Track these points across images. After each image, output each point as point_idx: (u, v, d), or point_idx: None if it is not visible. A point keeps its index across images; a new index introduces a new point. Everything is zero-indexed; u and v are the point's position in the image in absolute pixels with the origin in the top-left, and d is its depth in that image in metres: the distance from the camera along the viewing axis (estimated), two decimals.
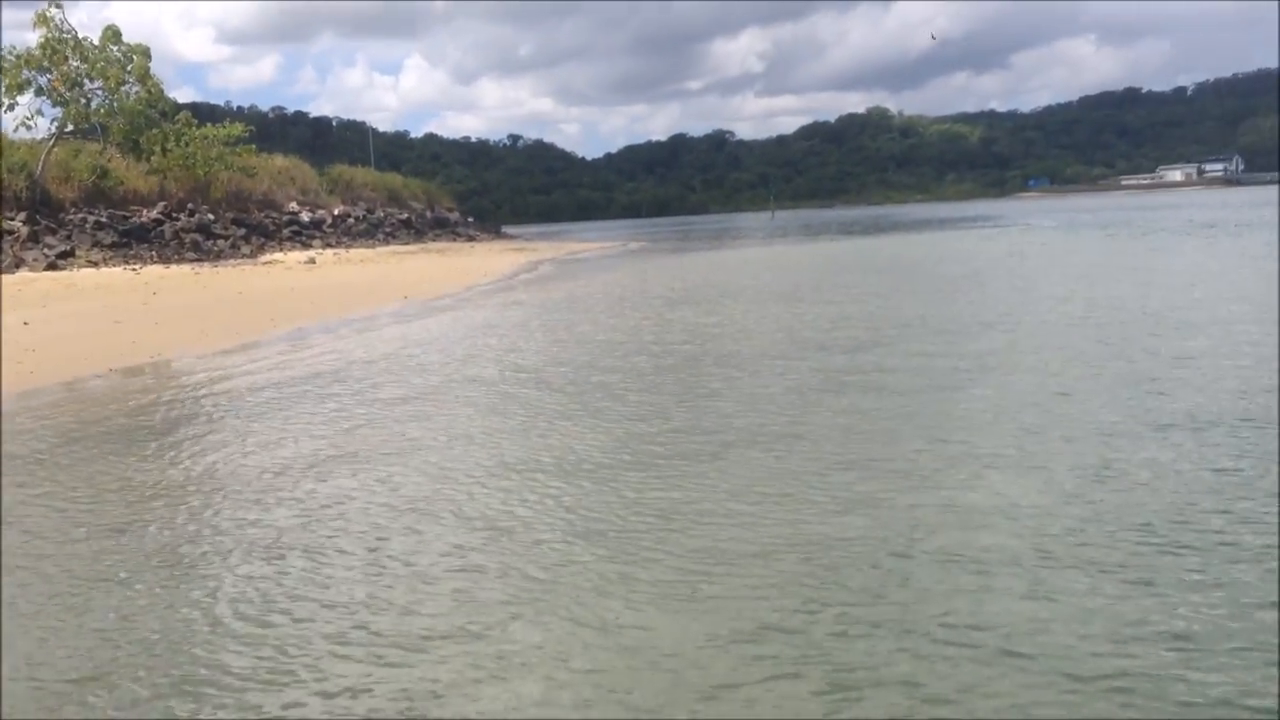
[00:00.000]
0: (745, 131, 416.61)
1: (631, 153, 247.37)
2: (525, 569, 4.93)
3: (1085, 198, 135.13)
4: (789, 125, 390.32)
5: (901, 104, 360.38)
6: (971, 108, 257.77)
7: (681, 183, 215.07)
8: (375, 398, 9.91)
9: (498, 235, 70.39)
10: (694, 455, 6.92)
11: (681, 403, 8.87)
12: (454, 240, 58.44)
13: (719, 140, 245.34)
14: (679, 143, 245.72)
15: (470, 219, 74.63)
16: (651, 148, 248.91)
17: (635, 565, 4.90)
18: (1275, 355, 9.48)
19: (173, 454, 7.86)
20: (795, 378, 9.81)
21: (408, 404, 9.52)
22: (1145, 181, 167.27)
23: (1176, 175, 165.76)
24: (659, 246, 52.22)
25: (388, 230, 53.11)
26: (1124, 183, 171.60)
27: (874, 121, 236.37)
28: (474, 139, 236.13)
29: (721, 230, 79.54)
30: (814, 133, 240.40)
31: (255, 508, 6.24)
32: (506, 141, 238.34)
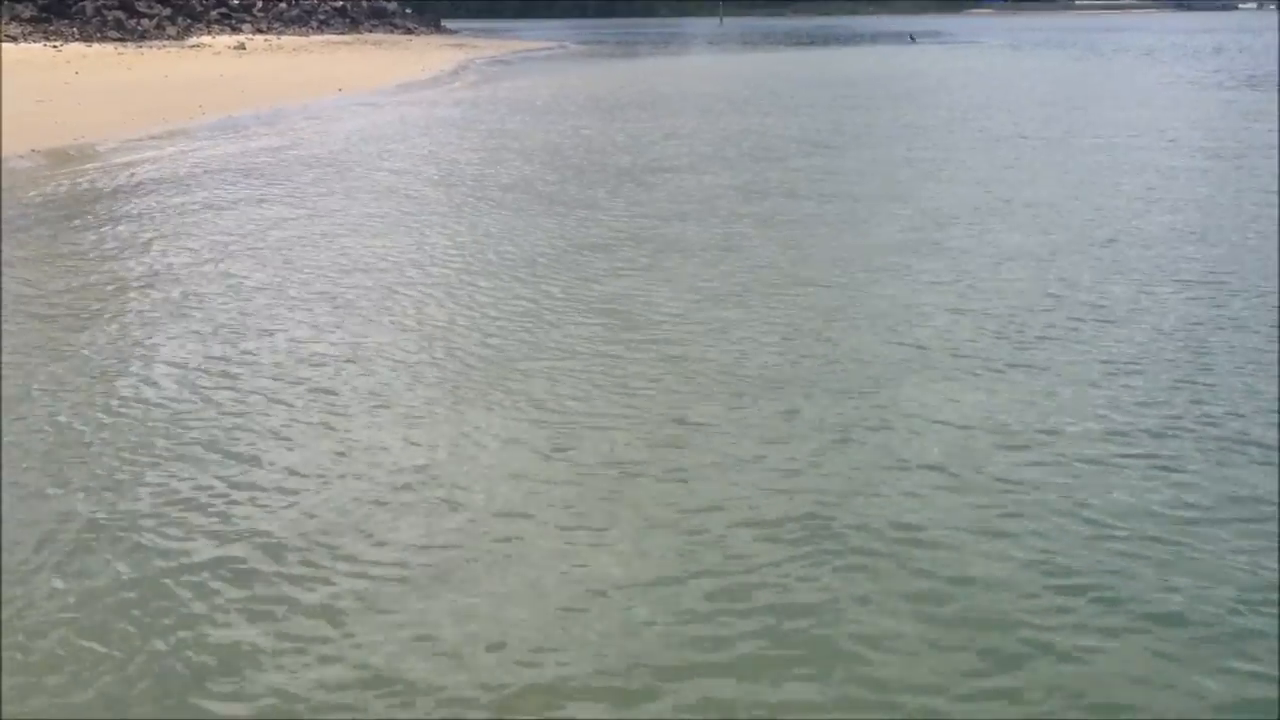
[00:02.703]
0: None
1: None
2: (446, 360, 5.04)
3: (1038, 17, 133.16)
4: None
5: None
6: None
7: None
8: (304, 190, 9.78)
9: (437, 29, 67.98)
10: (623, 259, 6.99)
11: (609, 210, 8.86)
12: (391, 32, 56.36)
13: None
14: None
15: (408, 10, 71.86)
16: None
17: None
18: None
19: (98, 237, 7.76)
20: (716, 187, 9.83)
21: (334, 196, 9.43)
22: (1099, 3, 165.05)
23: None
24: (602, 51, 50.84)
25: (321, 18, 51.01)
26: (1078, 3, 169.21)
27: None
28: None
29: (668, 36, 77.45)
30: None
31: (175, 285, 6.26)
32: None
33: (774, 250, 7.16)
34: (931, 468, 3.85)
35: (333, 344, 5.28)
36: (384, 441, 4.11)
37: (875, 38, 61.74)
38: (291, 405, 4.48)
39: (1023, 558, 3.22)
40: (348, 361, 5.01)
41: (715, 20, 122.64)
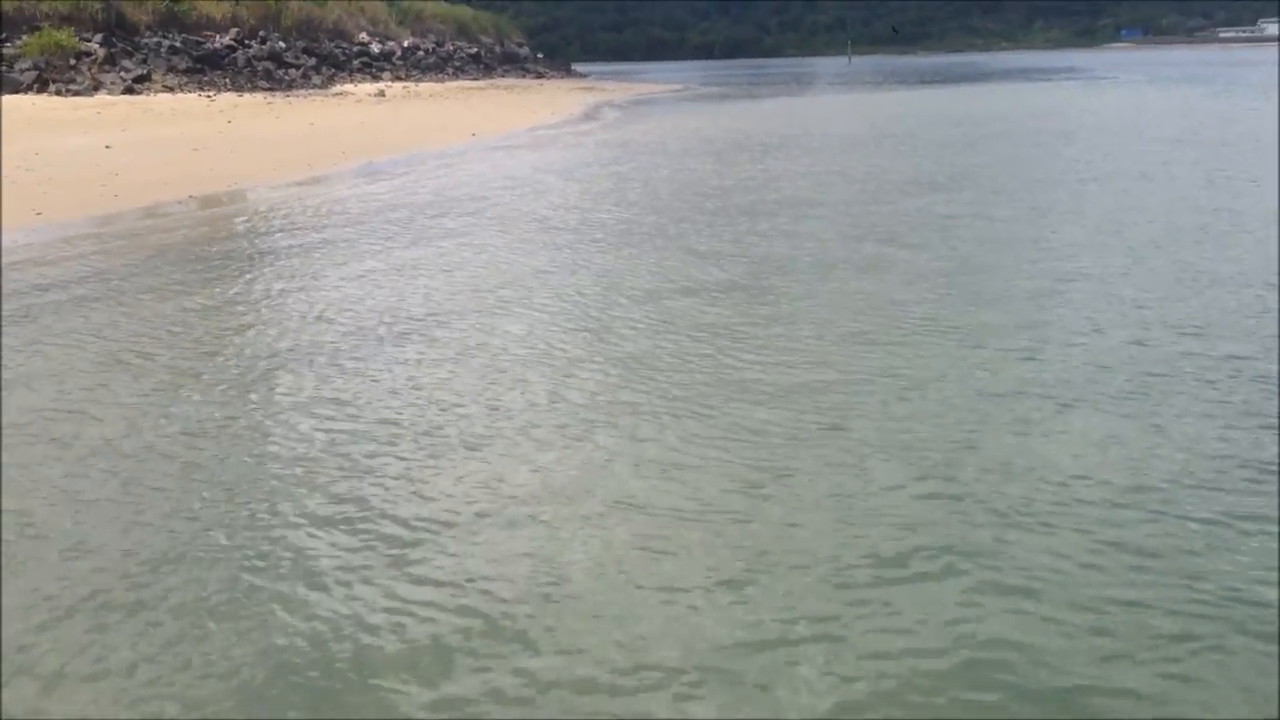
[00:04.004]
0: None
1: None
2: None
3: (1179, 50, 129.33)
4: None
5: None
6: None
7: (756, 24, 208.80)
8: (438, 232, 10.07)
9: (567, 73, 69.31)
10: (751, 287, 7.02)
11: (747, 244, 8.91)
12: (523, 77, 57.73)
13: None
14: None
15: (539, 55, 73.53)
16: None
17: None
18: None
19: (251, 277, 8.13)
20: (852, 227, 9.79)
21: (470, 238, 9.68)
22: (1244, 35, 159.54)
23: (1275, 29, 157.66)
24: (729, 92, 51.16)
25: (457, 64, 52.57)
26: (1221, 35, 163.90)
27: None
28: None
29: (796, 76, 77.58)
30: None
31: (324, 325, 6.51)
32: None
33: (901, 292, 7.11)
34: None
35: (470, 383, 5.42)
36: (517, 477, 4.21)
37: (1008, 75, 60.74)
38: (430, 437, 4.63)
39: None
40: (478, 401, 5.15)
41: (844, 59, 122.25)
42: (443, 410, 5.05)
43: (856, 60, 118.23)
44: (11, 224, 10.06)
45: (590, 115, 31.07)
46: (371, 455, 4.50)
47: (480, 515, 3.93)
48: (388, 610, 3.28)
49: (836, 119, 28.53)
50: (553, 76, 62.72)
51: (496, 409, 5.04)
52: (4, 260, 8.56)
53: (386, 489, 4.17)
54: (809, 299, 7.06)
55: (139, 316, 6.92)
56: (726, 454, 4.41)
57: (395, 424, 4.86)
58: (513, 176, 15.00)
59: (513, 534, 3.79)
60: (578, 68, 76.71)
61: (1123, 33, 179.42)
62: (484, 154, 18.74)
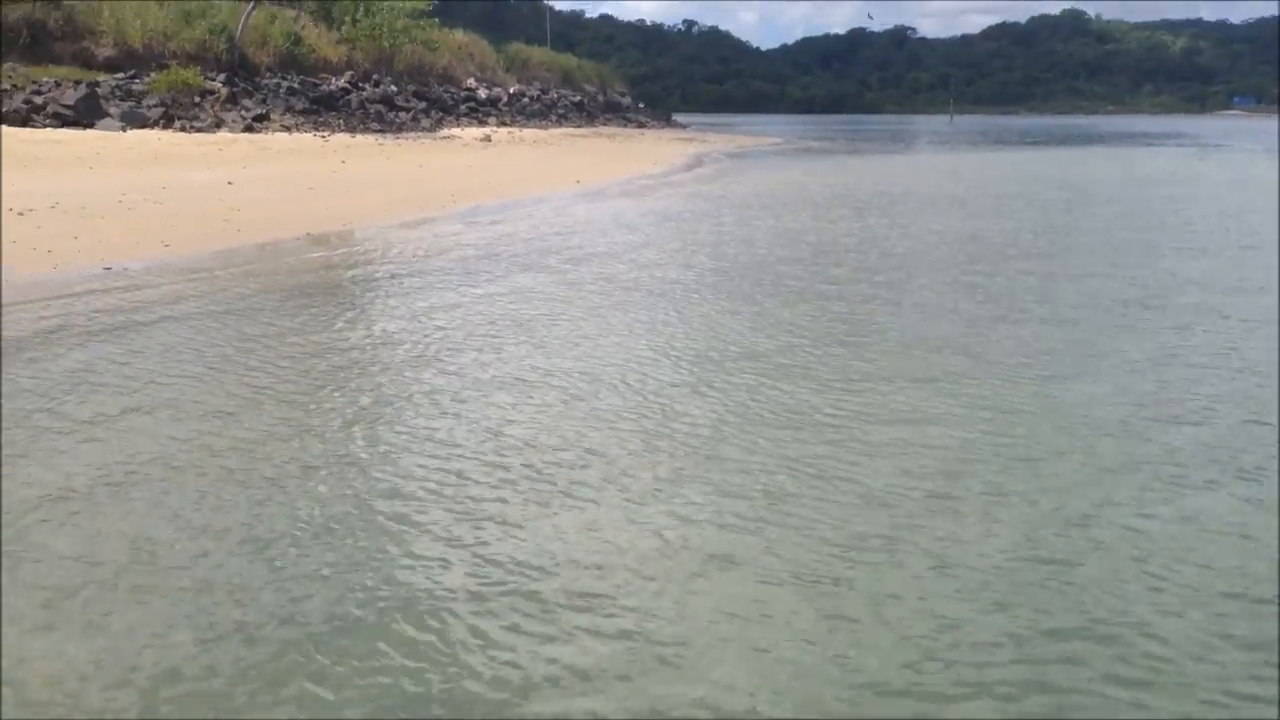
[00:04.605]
0: (928, 29, 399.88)
1: (808, 45, 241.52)
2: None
3: None
4: (975, 24, 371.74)
5: (1099, 7, 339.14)
6: (1176, 15, 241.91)
7: (858, 79, 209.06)
8: (547, 275, 10.23)
9: (668, 123, 70.00)
10: (843, 359, 7.02)
11: (836, 311, 8.92)
12: (624, 125, 58.46)
13: (899, 37, 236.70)
14: (858, 37, 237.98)
15: (641, 104, 74.50)
16: (829, 41, 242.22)
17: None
18: None
19: (361, 314, 8.36)
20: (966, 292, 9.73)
21: (571, 285, 9.81)
22: None
23: None
24: (832, 146, 51.23)
25: (560, 112, 53.49)
26: None
27: (1068, 24, 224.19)
28: (648, 23, 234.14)
29: (897, 132, 77.41)
30: (1001, 33, 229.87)
31: (429, 367, 6.65)
32: (681, 27, 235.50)
33: (1007, 357, 7.05)
34: None
35: (569, 430, 5.50)
36: (617, 526, 4.26)
37: (1114, 138, 59.85)
38: (530, 481, 4.71)
39: None
40: (577, 448, 5.22)
41: (945, 118, 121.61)
42: (542, 455, 5.13)
43: (958, 119, 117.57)
44: (141, 254, 10.48)
45: (691, 166, 31.32)
46: (475, 498, 4.59)
47: (575, 563, 3.99)
48: (482, 648, 3.35)
49: (937, 177, 28.40)
50: (653, 126, 63.39)
51: (594, 456, 5.11)
52: (134, 290, 8.93)
53: (488, 532, 4.25)
54: (908, 358, 7.05)
55: (255, 349, 7.14)
56: (826, 514, 4.42)
57: (499, 467, 4.95)
58: (616, 224, 15.20)
59: (609, 583, 3.84)
60: (678, 118, 77.42)
61: (1235, 100, 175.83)
62: (588, 201, 19.00)
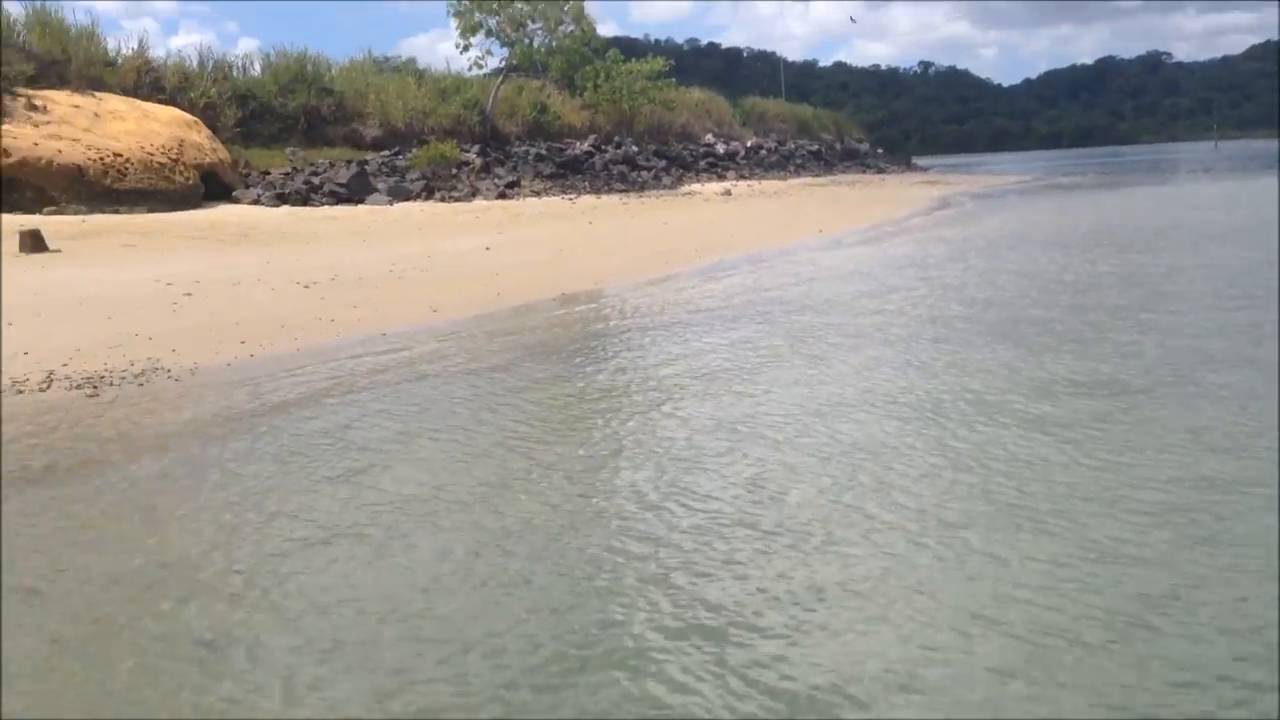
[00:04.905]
0: (1184, 52, 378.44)
1: (1053, 78, 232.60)
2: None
3: None
4: (1237, 45, 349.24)
5: None
6: None
7: (1108, 110, 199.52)
8: (798, 326, 10.27)
9: (908, 167, 69.02)
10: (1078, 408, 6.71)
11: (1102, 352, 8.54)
12: (863, 172, 58.05)
13: (1153, 62, 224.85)
14: (1107, 66, 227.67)
15: (879, 150, 73.78)
16: (1075, 72, 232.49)
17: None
18: None
19: (614, 371, 8.65)
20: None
21: (825, 336, 9.80)
22: None
23: None
24: (1084, 180, 49.14)
25: (798, 162, 53.67)
26: None
27: None
28: (883, 67, 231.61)
29: (1156, 161, 73.47)
30: (1266, 52, 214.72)
31: (675, 420, 6.79)
32: (917, 69, 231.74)
33: None
34: None
35: (825, 482, 5.50)
36: (873, 580, 4.24)
37: None
38: (779, 537, 4.74)
39: None
40: (833, 501, 5.21)
41: (1208, 144, 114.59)
42: (796, 509, 5.13)
43: (1223, 145, 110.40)
44: (412, 319, 11.23)
45: (934, 209, 30.77)
46: (726, 554, 4.66)
47: (826, 623, 3.99)
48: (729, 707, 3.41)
49: (1207, 208, 26.79)
50: (893, 171, 62.66)
51: (850, 509, 5.08)
52: (409, 350, 9.57)
53: (736, 588, 4.29)
54: (1183, 408, 6.68)
55: (515, 404, 7.51)
56: (1090, 575, 4.25)
57: (749, 524, 4.99)
58: (863, 272, 15.14)
59: (866, 640, 3.83)
60: (918, 161, 76.29)
61: None
62: (830, 250, 18.98)
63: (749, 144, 51.70)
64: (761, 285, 13.97)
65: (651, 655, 3.75)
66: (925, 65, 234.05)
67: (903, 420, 6.65)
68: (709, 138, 49.62)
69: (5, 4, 25.83)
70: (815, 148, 58.82)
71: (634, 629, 3.95)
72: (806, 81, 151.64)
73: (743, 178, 43.74)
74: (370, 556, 4.71)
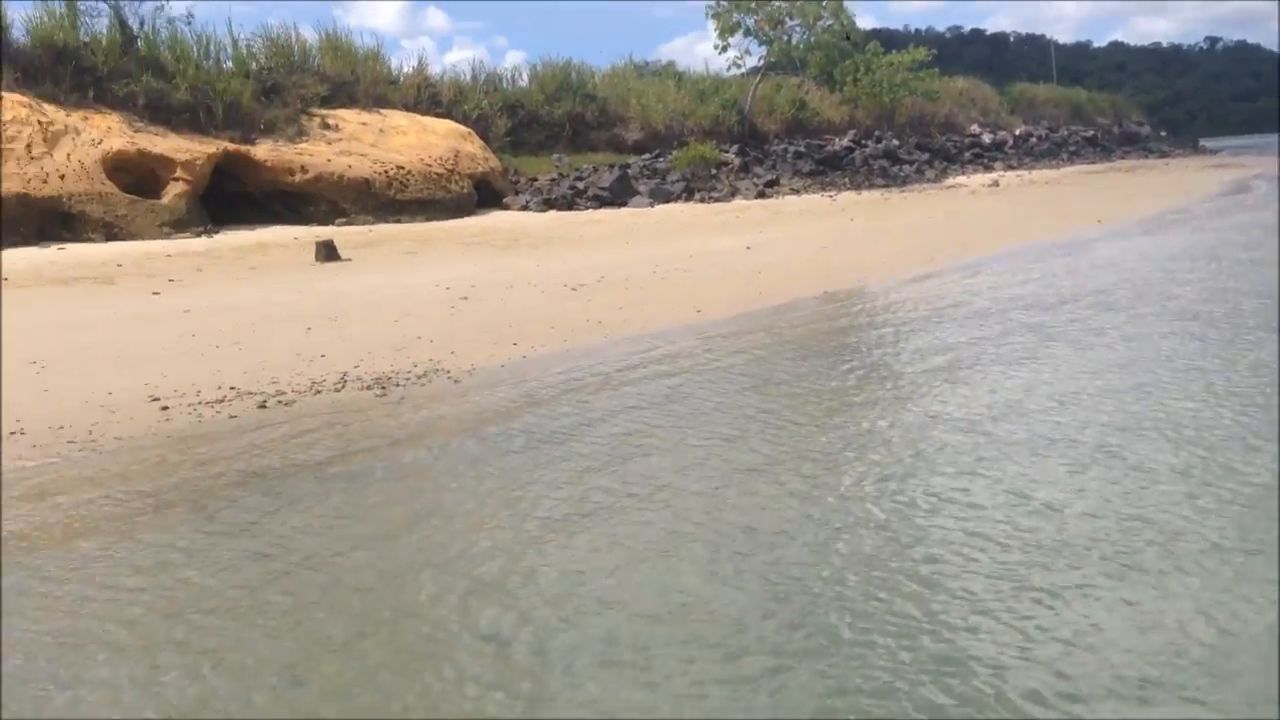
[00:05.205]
0: None
1: None
2: None
3: None
4: None
5: None
6: None
7: None
8: (1083, 327, 9.73)
9: (1194, 150, 64.39)
10: None
11: None
12: (1144, 157, 54.60)
13: None
14: None
15: (1162, 133, 69.22)
16: None
17: None
18: None
19: (862, 369, 8.43)
20: None
21: (1118, 337, 9.23)
22: None
23: None
24: None
25: (1071, 149, 51.05)
26: None
27: None
28: (1165, 44, 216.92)
29: None
30: None
31: (942, 423, 6.52)
32: (1203, 45, 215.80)
33: None
34: None
35: (1117, 498, 5.16)
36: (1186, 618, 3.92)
37: None
38: (1073, 551, 4.45)
39: None
40: (1129, 517, 4.87)
41: None
42: (1081, 522, 4.84)
43: None
44: (677, 319, 11.35)
45: (1228, 194, 28.57)
46: (1011, 565, 4.43)
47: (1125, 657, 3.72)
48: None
49: None
50: (1178, 155, 58.64)
51: (1148, 527, 4.75)
52: (674, 348, 9.67)
53: (1024, 622, 4.07)
54: None
55: (773, 402, 7.44)
56: None
57: (1033, 545, 4.74)
58: (1149, 263, 14.20)
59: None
60: (1206, 143, 71.05)
61: None
62: (1112, 240, 17.92)
63: (1017, 132, 49.61)
64: (1034, 279, 13.33)
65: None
66: (1212, 41, 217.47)
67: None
68: (974, 128, 47.92)
69: (302, 29, 27.93)
70: (1090, 133, 55.75)
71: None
72: (1079, 64, 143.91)
73: (1011, 168, 41.99)
74: (642, 553, 4.76)
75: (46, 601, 4.57)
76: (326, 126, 23.87)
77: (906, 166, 37.28)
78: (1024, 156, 45.89)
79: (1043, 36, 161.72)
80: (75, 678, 3.90)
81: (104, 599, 4.55)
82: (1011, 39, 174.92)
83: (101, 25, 22.21)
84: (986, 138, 46.53)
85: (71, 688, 3.83)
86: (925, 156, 39.62)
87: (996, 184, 34.46)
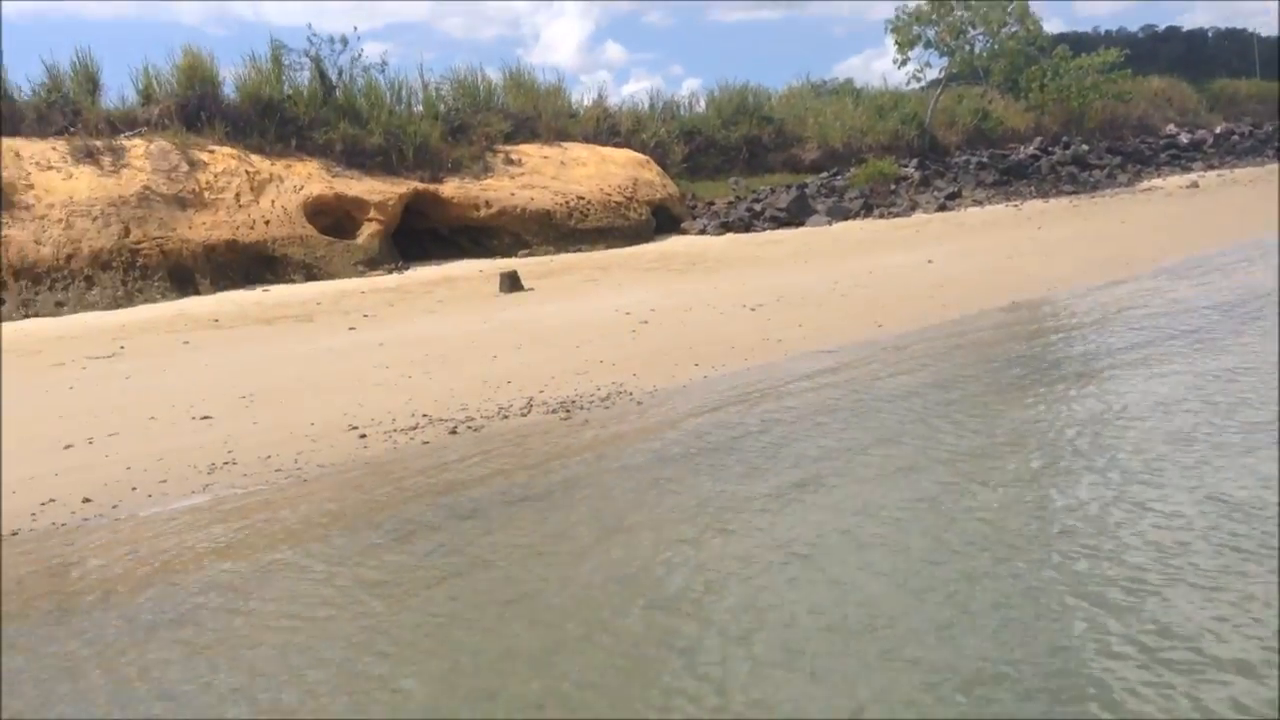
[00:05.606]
0: None
1: None
2: None
3: None
4: None
5: None
6: None
7: None
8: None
9: None
10: None
11: None
12: None
13: None
14: None
15: None
16: None
17: None
18: None
19: (1047, 383, 8.14)
20: None
21: None
22: None
23: None
24: None
25: (1277, 145, 48.01)
26: None
27: None
28: None
29: None
30: None
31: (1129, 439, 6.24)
32: None
33: None
34: None
35: None
36: None
37: None
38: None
39: None
40: None
41: None
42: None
43: None
44: (857, 334, 11.24)
45: None
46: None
47: None
48: None
49: None
50: None
51: None
52: (856, 364, 9.58)
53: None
54: None
55: (957, 416, 7.28)
56: None
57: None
58: None
59: None
60: None
61: None
62: None
63: (1217, 130, 46.96)
64: (1237, 285, 12.64)
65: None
66: None
67: None
68: (1170, 128, 45.66)
69: (488, 70, 29.00)
70: None
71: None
72: None
73: (1211, 167, 39.79)
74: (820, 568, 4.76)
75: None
76: (510, 162, 24.61)
77: (1097, 172, 35.76)
78: (1225, 155, 43.38)
79: (1244, 30, 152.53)
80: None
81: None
82: (1210, 34, 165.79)
83: (303, 78, 23.55)
84: (1184, 138, 44.24)
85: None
86: (1117, 160, 37.93)
87: (1195, 185, 32.74)
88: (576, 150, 26.39)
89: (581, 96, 31.22)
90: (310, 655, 4.39)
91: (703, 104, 33.55)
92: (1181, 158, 41.35)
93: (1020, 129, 38.39)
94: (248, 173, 20.11)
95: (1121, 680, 3.59)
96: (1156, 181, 35.03)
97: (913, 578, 4.56)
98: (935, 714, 3.49)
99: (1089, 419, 7.08)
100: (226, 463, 7.52)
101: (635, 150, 27.76)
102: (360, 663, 4.29)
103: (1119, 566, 4.52)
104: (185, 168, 19.41)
